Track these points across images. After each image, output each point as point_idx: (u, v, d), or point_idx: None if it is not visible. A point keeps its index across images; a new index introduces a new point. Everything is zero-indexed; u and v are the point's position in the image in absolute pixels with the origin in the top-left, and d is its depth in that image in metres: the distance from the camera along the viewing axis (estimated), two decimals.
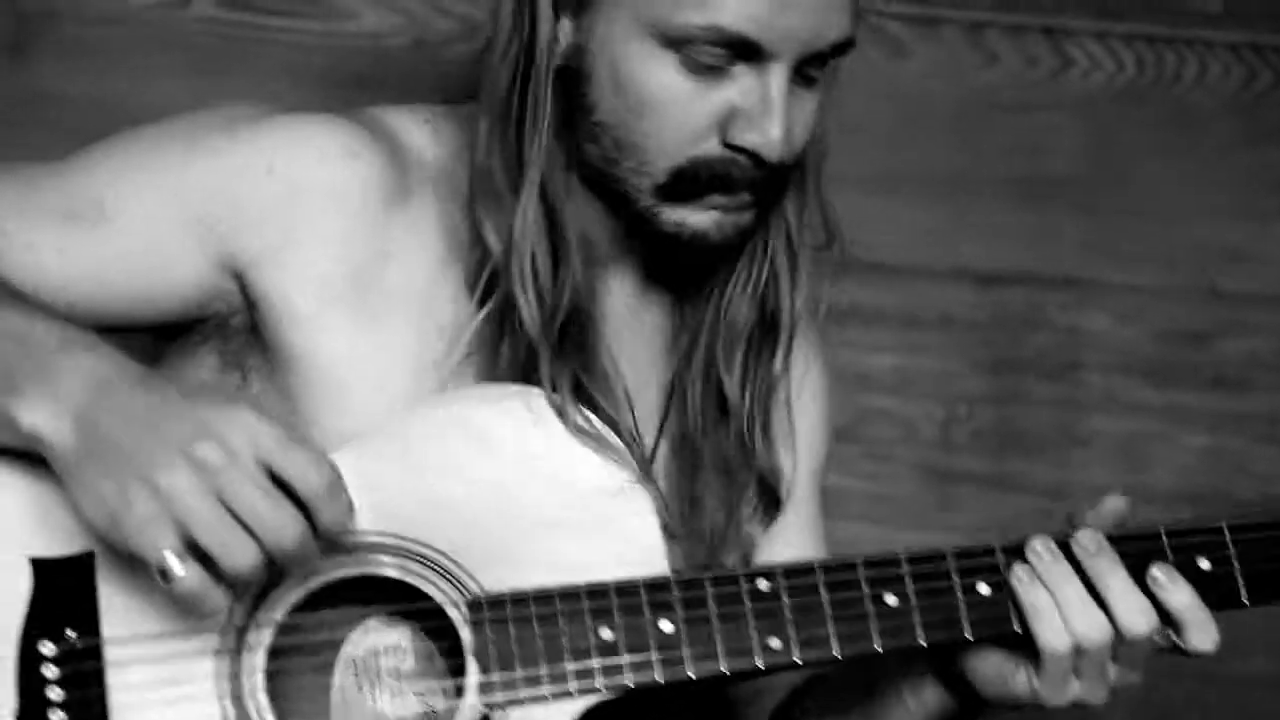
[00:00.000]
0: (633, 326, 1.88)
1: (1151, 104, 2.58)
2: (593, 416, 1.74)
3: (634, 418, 1.83)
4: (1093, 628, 1.69)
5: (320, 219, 1.72)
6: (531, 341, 1.75)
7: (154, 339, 1.82)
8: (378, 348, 1.74)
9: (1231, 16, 2.57)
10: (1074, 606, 1.69)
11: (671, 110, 1.72)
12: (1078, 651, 1.69)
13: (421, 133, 1.82)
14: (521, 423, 1.72)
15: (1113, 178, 2.59)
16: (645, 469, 1.79)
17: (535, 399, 1.73)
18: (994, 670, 1.74)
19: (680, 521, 1.85)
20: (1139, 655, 1.71)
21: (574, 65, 1.75)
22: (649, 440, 1.87)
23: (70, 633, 1.64)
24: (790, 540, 1.96)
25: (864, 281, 2.53)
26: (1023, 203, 2.59)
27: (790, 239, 1.84)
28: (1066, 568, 1.70)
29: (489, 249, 1.76)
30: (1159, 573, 1.71)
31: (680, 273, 1.87)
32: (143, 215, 1.72)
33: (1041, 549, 1.71)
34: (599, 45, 1.73)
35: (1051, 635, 1.69)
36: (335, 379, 1.73)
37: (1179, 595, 1.70)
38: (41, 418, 1.57)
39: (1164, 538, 1.73)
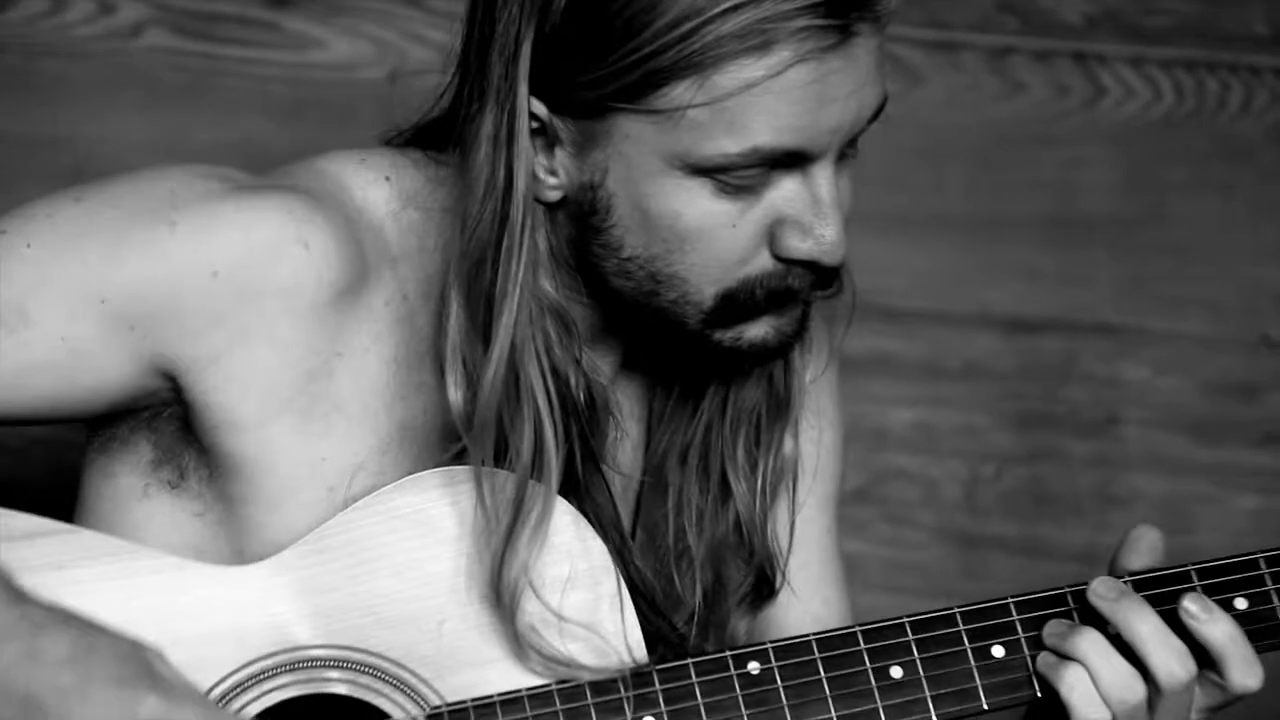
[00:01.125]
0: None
1: (1192, 135, 2.56)
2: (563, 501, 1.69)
3: (614, 506, 1.76)
4: (1127, 688, 1.63)
5: (268, 322, 1.65)
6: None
7: (85, 425, 1.74)
8: (324, 455, 1.67)
9: None
10: (1103, 672, 1.63)
11: (714, 237, 1.64)
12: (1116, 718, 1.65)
13: (380, 194, 1.71)
14: (469, 508, 1.66)
15: (1151, 216, 2.56)
16: (624, 559, 1.73)
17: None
18: None
19: (663, 613, 1.78)
20: (1182, 711, 1.66)
21: (585, 203, 1.67)
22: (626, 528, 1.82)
23: None
24: (811, 592, 1.90)
25: (879, 329, 2.50)
26: (1053, 243, 2.55)
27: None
28: (1089, 632, 1.65)
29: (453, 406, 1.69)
30: (1192, 604, 1.65)
31: (660, 356, 1.80)
32: (66, 320, 1.64)
33: (1055, 629, 1.66)
34: (617, 184, 1.64)
35: (1086, 709, 1.64)
36: (279, 487, 1.67)
37: (1217, 627, 1.64)
38: None
39: (1195, 578, 1.69)
